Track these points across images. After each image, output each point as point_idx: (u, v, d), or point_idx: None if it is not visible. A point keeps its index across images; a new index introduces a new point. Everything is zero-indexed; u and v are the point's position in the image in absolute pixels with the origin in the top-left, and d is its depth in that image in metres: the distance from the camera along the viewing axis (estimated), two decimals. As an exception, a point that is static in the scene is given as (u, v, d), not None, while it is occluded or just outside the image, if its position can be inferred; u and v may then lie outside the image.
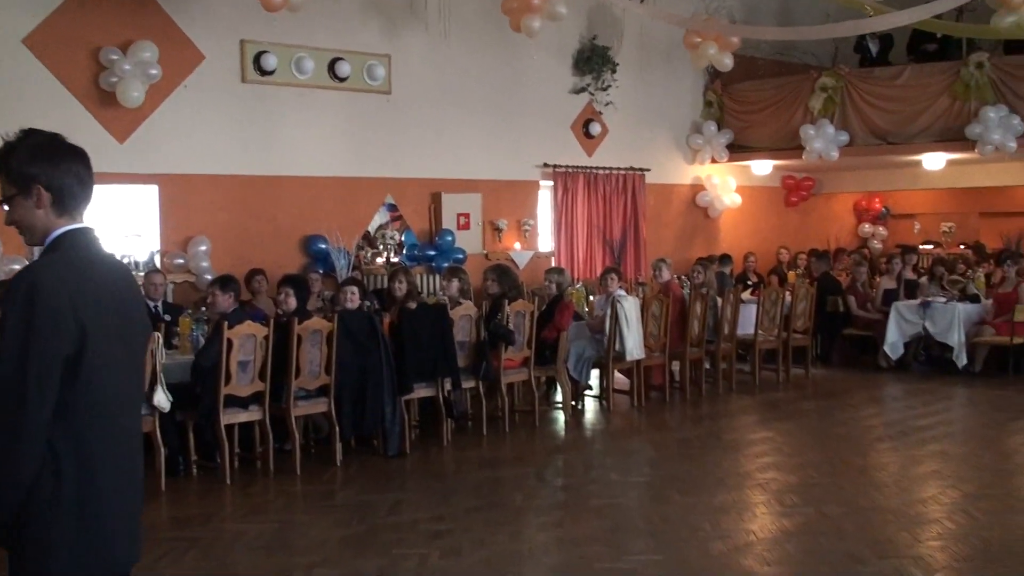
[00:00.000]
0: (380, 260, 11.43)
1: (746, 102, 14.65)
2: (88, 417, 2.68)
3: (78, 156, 2.81)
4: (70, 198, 2.76)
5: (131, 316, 2.87)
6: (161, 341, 7.15)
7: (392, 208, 11.61)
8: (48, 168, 2.73)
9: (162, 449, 7.20)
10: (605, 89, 13.20)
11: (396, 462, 7.98)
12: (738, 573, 5.31)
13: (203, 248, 9.87)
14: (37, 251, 2.82)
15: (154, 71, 9.35)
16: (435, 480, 7.53)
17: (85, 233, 2.80)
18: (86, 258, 2.77)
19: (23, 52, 8.94)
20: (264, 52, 10.26)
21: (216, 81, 10.05)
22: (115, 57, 9.19)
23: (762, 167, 15.14)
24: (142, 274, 9.29)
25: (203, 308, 8.44)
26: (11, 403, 2.55)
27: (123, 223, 9.77)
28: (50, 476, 2.62)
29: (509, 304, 8.91)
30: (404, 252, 11.64)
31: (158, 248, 9.84)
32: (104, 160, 9.49)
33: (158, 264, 9.68)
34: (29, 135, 2.77)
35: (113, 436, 2.76)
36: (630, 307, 9.77)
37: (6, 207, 2.79)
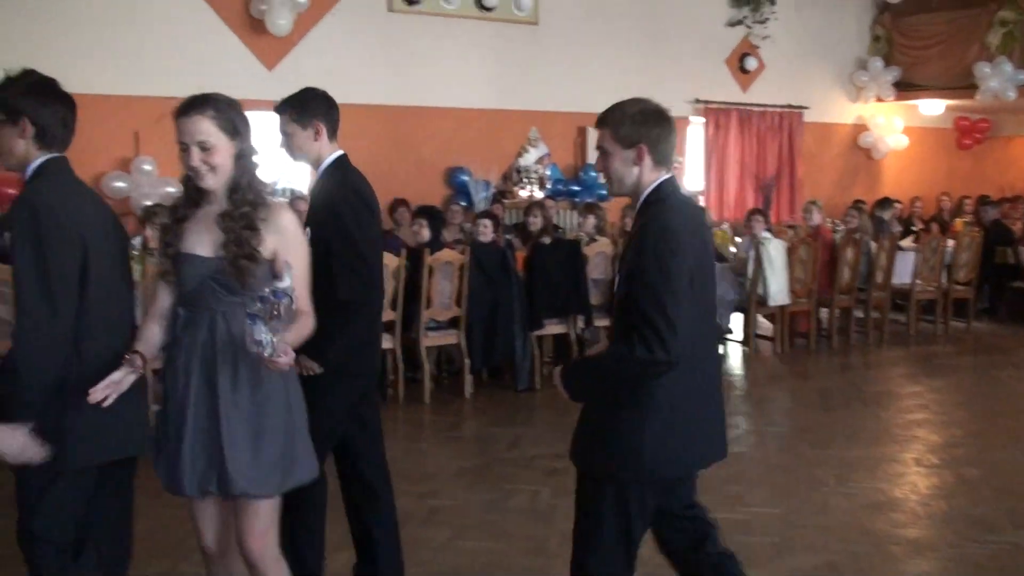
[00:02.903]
0: (524, 194, 11.35)
1: (917, 37, 13.75)
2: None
3: (67, 102, 3.14)
4: (51, 136, 3.08)
5: (120, 233, 3.28)
6: (295, 267, 7.27)
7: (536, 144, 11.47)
8: (37, 106, 3.05)
9: (295, 372, 7.36)
10: (763, 22, 12.63)
11: (524, 397, 7.96)
12: (856, 532, 5.05)
13: (347, 177, 9.95)
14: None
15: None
16: (560, 417, 7.44)
17: (64, 161, 3.12)
18: (73, 180, 3.13)
19: (179, -22, 9.17)
20: (411, -19, 10.22)
21: (363, 10, 10.09)
22: (265, -15, 9.32)
23: (932, 107, 14.25)
24: (287, 200, 9.48)
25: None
26: (43, 316, 2.87)
27: (271, 149, 9.94)
28: None
29: (646, 242, 8.66)
30: (548, 187, 11.51)
31: (306, 177, 10.01)
32: (253, 87, 9.73)
33: (304, 192, 9.85)
34: (28, 75, 3.10)
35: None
36: (775, 250, 9.40)
37: None
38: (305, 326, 3.05)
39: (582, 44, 11.41)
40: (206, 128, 2.98)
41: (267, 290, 2.84)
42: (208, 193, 3.05)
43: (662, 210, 3.02)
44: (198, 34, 9.16)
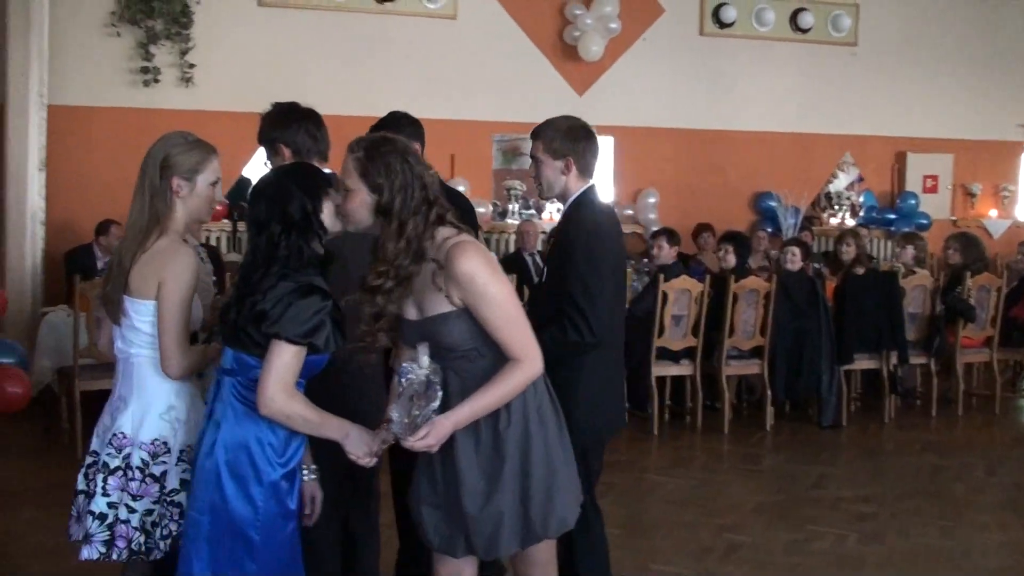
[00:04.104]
0: (834, 221, 10.91)
1: None
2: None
3: (310, 117, 3.49)
4: (306, 151, 3.44)
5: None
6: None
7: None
8: (284, 130, 3.45)
9: (594, 393, 7.40)
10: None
11: (829, 434, 7.58)
12: None
13: (652, 200, 9.99)
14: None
15: (614, 25, 9.57)
16: (868, 458, 7.05)
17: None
18: None
19: (496, 7, 9.53)
20: (724, 4, 10.13)
21: (674, 34, 10.08)
22: (579, 12, 9.51)
23: None
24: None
25: (645, 260, 8.55)
26: None
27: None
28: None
29: (972, 276, 8.06)
30: (861, 214, 11.00)
31: (612, 198, 10.12)
32: (564, 111, 9.82)
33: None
34: (275, 107, 3.56)
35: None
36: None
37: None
38: (515, 376, 2.76)
39: (903, 66, 10.82)
40: (347, 168, 2.78)
41: (404, 366, 2.71)
42: None
43: (589, 213, 3.48)
44: (513, 60, 9.50)
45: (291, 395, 2.68)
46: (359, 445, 2.75)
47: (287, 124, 3.51)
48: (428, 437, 2.68)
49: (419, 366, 2.68)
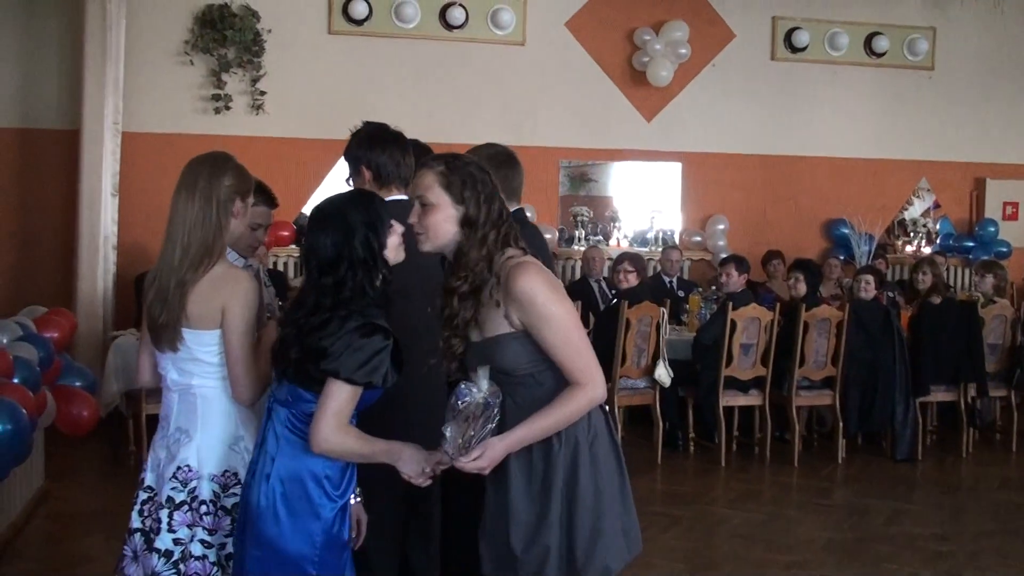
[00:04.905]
0: (909, 249, 10.66)
1: None
2: None
3: (398, 143, 3.60)
4: (386, 175, 3.55)
5: None
6: (665, 316, 7.24)
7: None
8: (370, 152, 3.56)
9: (660, 423, 7.30)
10: None
11: (904, 468, 7.36)
12: None
13: (721, 227, 9.85)
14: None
15: (683, 50, 9.48)
16: (945, 494, 6.82)
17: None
18: None
19: (564, 34, 9.50)
20: (796, 28, 9.96)
21: (745, 59, 9.95)
22: (648, 37, 9.44)
23: None
24: (659, 249, 9.53)
25: (713, 287, 8.43)
26: None
27: (647, 199, 10.08)
28: None
29: (1055, 306, 7.80)
30: (937, 241, 10.73)
31: (680, 225, 10.01)
32: (632, 137, 9.91)
33: (676, 240, 9.85)
34: (364, 126, 3.65)
35: None
36: None
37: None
38: (573, 400, 2.68)
39: (981, 90, 10.53)
40: (428, 183, 2.76)
41: (461, 387, 2.65)
42: None
43: (526, 230, 3.33)
44: (581, 86, 9.45)
45: (345, 432, 2.64)
46: (412, 465, 2.70)
47: (372, 145, 3.55)
48: (480, 459, 2.63)
49: (478, 389, 2.64)
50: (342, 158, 3.76)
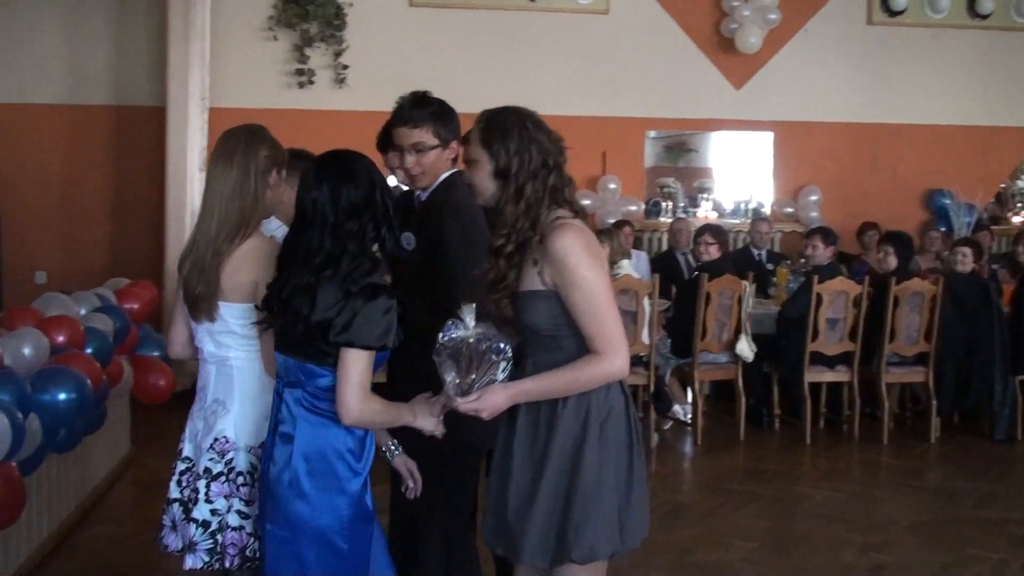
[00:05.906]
0: (1017, 220, 10.18)
1: None
2: None
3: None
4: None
5: None
6: (749, 290, 7.05)
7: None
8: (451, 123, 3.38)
9: (744, 398, 7.13)
10: None
11: (1000, 449, 7.05)
12: None
13: (813, 198, 9.55)
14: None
15: (773, 16, 9.18)
16: (1043, 477, 6.52)
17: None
18: None
19: (649, 1, 9.29)
20: (894, -10, 9.57)
21: (839, 24, 9.59)
22: (736, 3, 9.17)
23: None
24: (748, 220, 9.30)
25: (802, 260, 8.18)
26: None
27: (738, 169, 9.85)
28: None
29: None
30: (1048, 212, 10.24)
31: (771, 196, 9.76)
32: (721, 106, 9.68)
33: (767, 212, 9.60)
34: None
35: None
36: None
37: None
38: (590, 367, 2.63)
39: (1096, 51, 9.99)
40: (472, 139, 2.76)
41: (448, 323, 2.63)
42: None
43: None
44: (668, 55, 9.26)
45: (371, 399, 2.62)
46: (428, 419, 2.74)
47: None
48: (478, 402, 2.61)
49: (464, 327, 2.62)
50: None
